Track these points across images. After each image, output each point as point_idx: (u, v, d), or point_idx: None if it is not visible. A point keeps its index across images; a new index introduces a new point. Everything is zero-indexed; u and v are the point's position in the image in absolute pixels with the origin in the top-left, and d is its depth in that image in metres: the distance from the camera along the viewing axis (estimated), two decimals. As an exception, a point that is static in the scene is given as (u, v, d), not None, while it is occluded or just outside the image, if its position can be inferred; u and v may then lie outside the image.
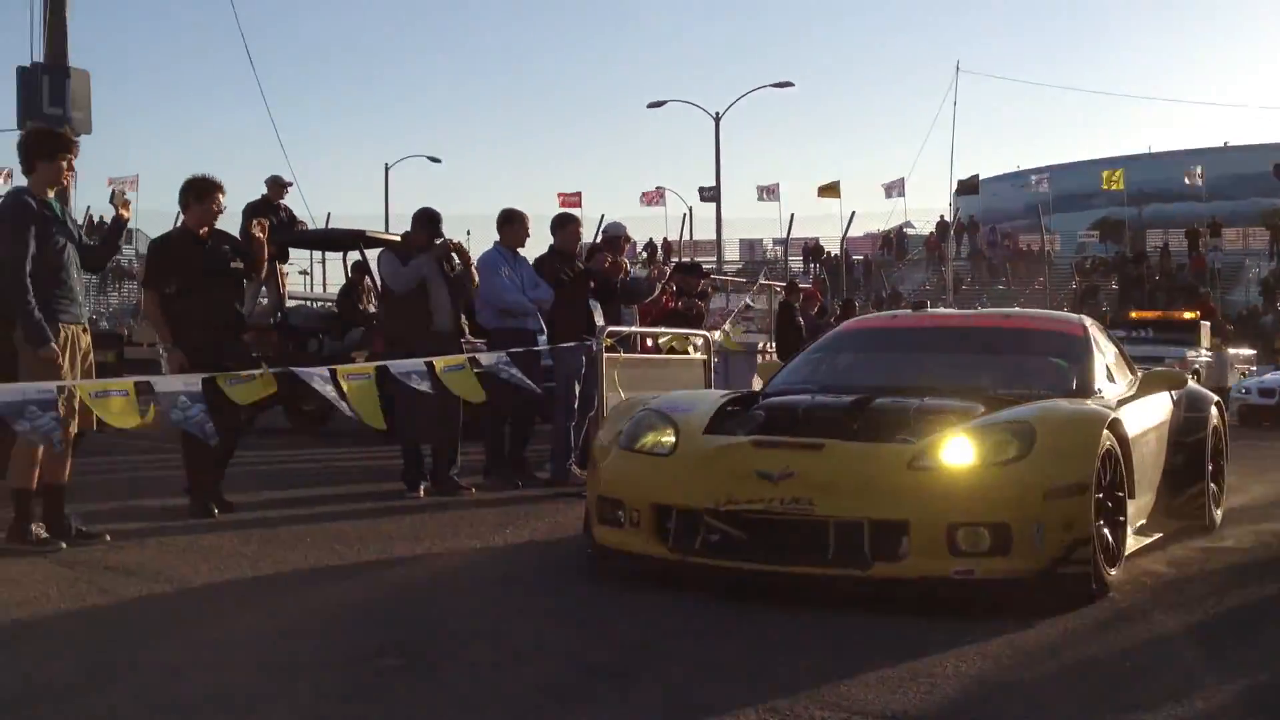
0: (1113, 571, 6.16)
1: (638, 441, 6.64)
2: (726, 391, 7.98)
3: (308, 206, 24.84)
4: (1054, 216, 55.21)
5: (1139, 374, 8.18)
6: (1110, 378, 7.69)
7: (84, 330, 7.44)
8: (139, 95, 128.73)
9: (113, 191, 7.96)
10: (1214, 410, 8.83)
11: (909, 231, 57.55)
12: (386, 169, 52.38)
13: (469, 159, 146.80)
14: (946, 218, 54.69)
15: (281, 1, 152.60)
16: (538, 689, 4.49)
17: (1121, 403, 7.25)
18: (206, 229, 8.55)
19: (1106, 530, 6.10)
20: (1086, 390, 7.27)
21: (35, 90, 14.47)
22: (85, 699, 4.31)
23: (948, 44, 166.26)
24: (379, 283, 16.66)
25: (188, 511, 8.35)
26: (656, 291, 12.80)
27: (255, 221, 8.94)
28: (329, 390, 7.69)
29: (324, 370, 7.84)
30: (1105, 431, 6.16)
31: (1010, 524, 5.62)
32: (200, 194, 8.46)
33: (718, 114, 45.57)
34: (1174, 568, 6.99)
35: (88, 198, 50.04)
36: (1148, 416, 7.69)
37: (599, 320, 10.81)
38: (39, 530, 7.12)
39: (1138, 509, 7.04)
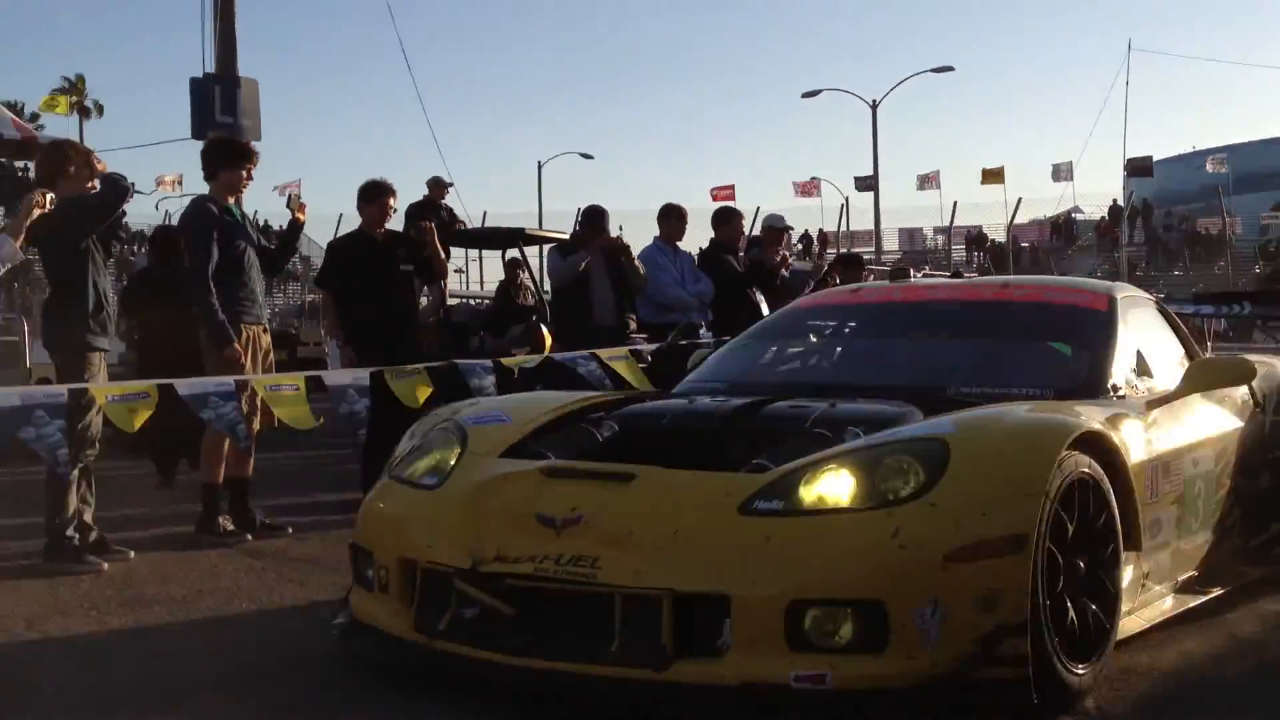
0: (1080, 670, 4.01)
1: (409, 467, 4.92)
2: (602, 394, 6.06)
3: (464, 206, 25.24)
4: (1233, 198, 53.28)
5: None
6: (1147, 371, 5.48)
7: (264, 330, 7.82)
8: (301, 101, 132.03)
9: (289, 196, 8.28)
10: None
11: (1078, 217, 56.03)
12: (539, 166, 52.87)
13: (621, 155, 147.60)
14: (1119, 201, 53.13)
15: (437, 5, 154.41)
16: None
17: (1152, 405, 5.16)
18: (381, 231, 8.89)
19: (1074, 607, 4.06)
20: (1096, 387, 5.17)
21: (208, 100, 14.98)
22: (285, 682, 4.58)
23: (1117, 22, 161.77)
24: (536, 279, 17.17)
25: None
26: (814, 285, 12.82)
27: (424, 225, 9.24)
28: (489, 382, 7.76)
29: (486, 362, 8.00)
30: (1070, 452, 4.10)
31: (887, 602, 3.69)
32: (373, 196, 8.83)
33: (874, 101, 44.90)
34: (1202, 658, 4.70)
35: (255, 203, 51.60)
36: (1195, 425, 5.39)
37: (765, 312, 10.86)
38: (226, 523, 7.50)
39: (1159, 564, 4.88)
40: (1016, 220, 43.89)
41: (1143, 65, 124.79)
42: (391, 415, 7.06)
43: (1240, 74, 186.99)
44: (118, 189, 6.92)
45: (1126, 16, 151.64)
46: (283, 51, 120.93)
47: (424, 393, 7.45)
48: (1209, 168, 53.47)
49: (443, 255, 9.16)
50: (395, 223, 9.45)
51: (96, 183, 6.94)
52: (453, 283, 22.58)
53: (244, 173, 7.77)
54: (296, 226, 8.22)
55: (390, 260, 8.85)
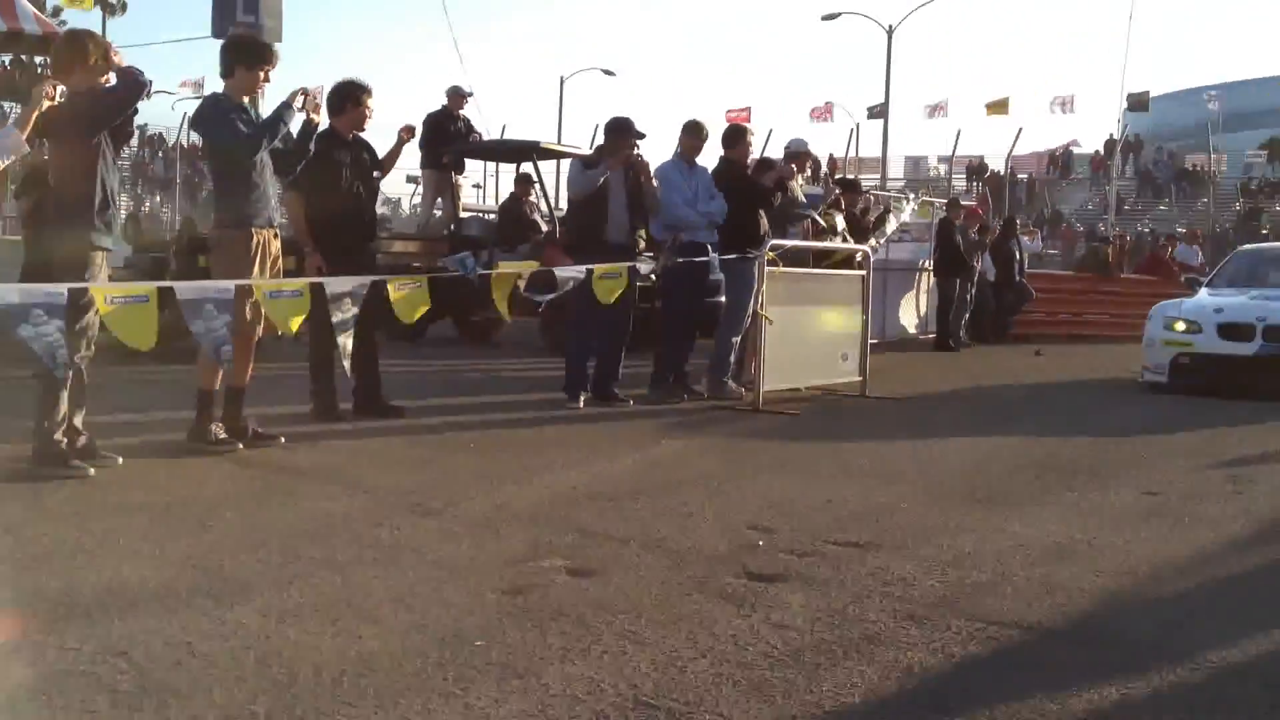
0: None
1: None
2: None
3: (484, 118, 25.01)
4: (1224, 135, 53.11)
5: None
6: None
7: (275, 235, 7.64)
8: (324, 6, 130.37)
9: (304, 95, 7.98)
10: None
11: (1076, 150, 56.03)
12: (561, 82, 52.44)
13: (642, 73, 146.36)
14: (1115, 136, 53.04)
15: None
16: (699, 591, 4.59)
17: None
18: (352, 135, 8.70)
19: None
20: None
21: (230, -1, 14.75)
22: (273, 593, 4.51)
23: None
24: (549, 196, 17.00)
25: (311, 414, 8.59)
26: (818, 210, 12.68)
27: (405, 128, 9.02)
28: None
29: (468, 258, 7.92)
30: None
31: None
32: (356, 99, 8.61)
33: (891, 27, 44.54)
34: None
35: (276, 103, 51.01)
36: None
37: (765, 228, 10.80)
38: (218, 431, 7.42)
39: None
40: (1018, 151, 43.65)
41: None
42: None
43: (1244, 9, 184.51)
44: (136, 84, 6.71)
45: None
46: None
47: (422, 308, 7.42)
48: (1205, 105, 53.35)
49: (393, 161, 8.97)
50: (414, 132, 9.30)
51: (113, 77, 6.75)
52: (469, 196, 22.45)
53: (261, 74, 7.59)
54: (311, 127, 7.99)
55: (360, 165, 8.67)
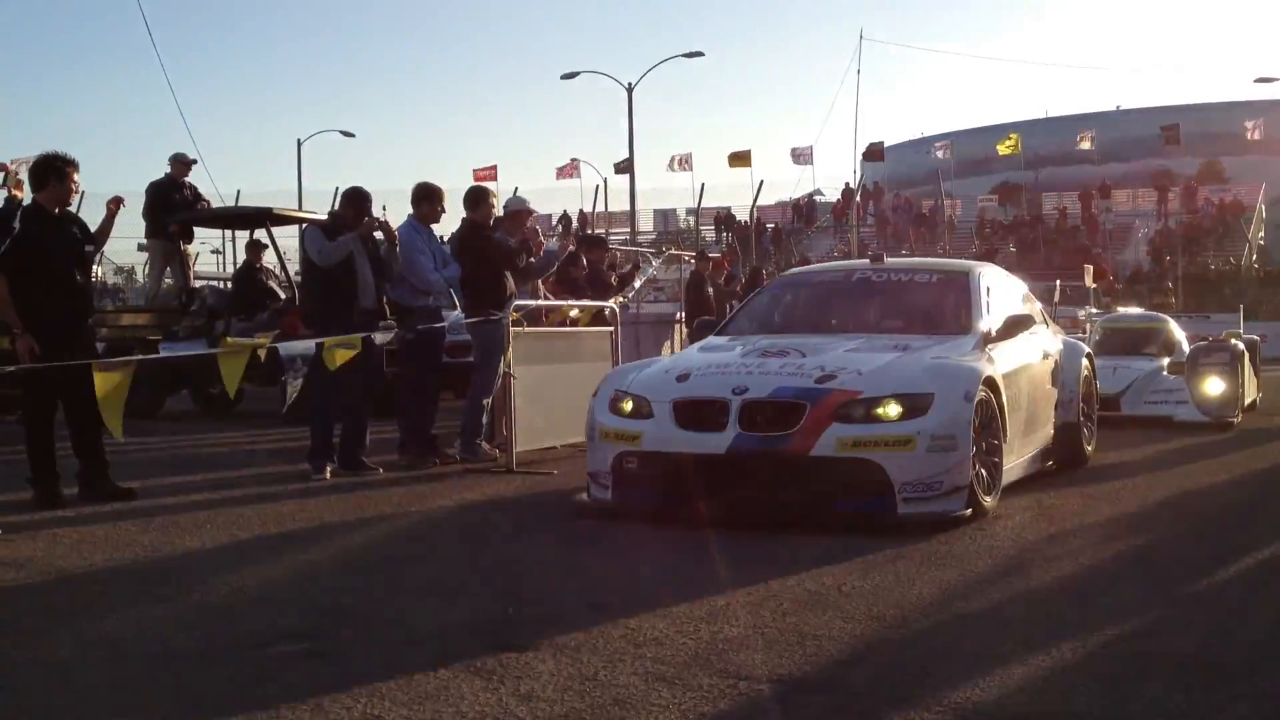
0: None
1: None
2: None
3: (214, 184, 24.26)
4: (955, 182, 55.93)
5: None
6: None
7: None
8: (32, 69, 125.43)
9: (4, 173, 7.52)
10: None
11: (819, 199, 57.98)
12: (299, 145, 51.58)
13: (383, 133, 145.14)
14: (852, 185, 55.11)
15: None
16: (440, 666, 4.41)
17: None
18: (59, 210, 8.31)
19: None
20: None
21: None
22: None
23: (852, 12, 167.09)
24: (282, 262, 16.59)
25: (33, 502, 8.10)
26: (554, 268, 12.60)
27: (113, 200, 8.67)
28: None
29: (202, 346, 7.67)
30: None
31: None
32: (60, 173, 8.19)
33: (630, 85, 45.54)
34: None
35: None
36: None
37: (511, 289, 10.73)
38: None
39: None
40: (763, 202, 44.95)
41: (875, 54, 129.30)
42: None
43: (965, 64, 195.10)
44: None
45: (859, 7, 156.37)
46: (7, 14, 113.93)
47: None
48: (936, 153, 56.16)
49: (105, 234, 8.66)
50: (136, 201, 8.92)
51: None
52: (206, 264, 21.79)
53: None
54: (13, 204, 7.58)
55: (69, 241, 8.26)
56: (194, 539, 7.07)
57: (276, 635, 4.92)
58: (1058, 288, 22.74)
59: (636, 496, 7.59)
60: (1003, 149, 55.20)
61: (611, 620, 5.08)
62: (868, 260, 10.10)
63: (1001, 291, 9.58)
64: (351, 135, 53.38)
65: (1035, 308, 10.32)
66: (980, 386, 7.52)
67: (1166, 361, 15.00)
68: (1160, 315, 18.10)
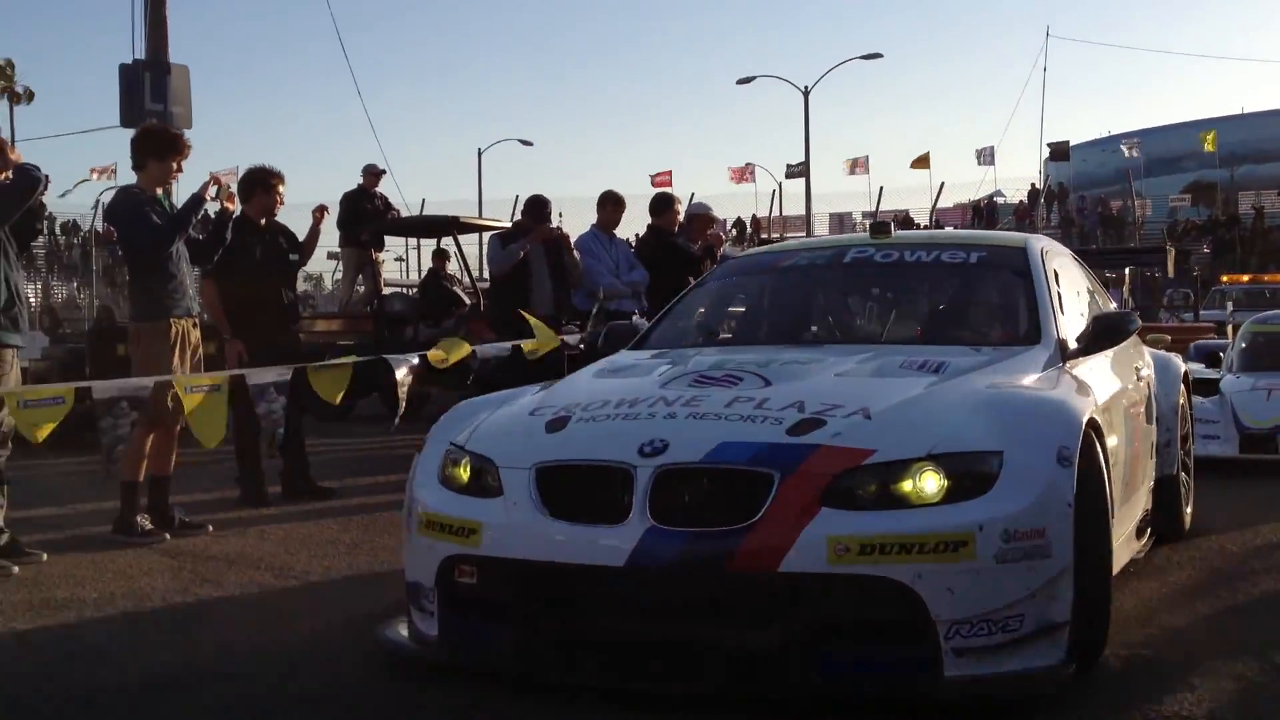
0: None
1: None
2: None
3: (402, 194, 25.04)
4: (1145, 181, 54.30)
5: None
6: None
7: (194, 325, 7.62)
8: (236, 88, 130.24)
9: (216, 185, 7.91)
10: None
11: (999, 200, 56.88)
12: (479, 154, 52.49)
13: (561, 141, 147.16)
14: (1037, 185, 54.01)
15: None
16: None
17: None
18: (265, 220, 8.69)
19: None
20: None
21: (137, 87, 14.75)
22: (202, 691, 4.43)
23: (1037, 9, 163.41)
24: (471, 269, 16.97)
25: (239, 500, 8.49)
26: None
27: (318, 208, 9.05)
28: (404, 374, 7.76)
29: (412, 357, 7.93)
30: None
31: None
32: (266, 185, 8.61)
33: (806, 88, 45.41)
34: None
35: (189, 190, 50.84)
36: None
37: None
38: (144, 522, 7.30)
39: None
40: (941, 204, 44.36)
41: (1061, 51, 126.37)
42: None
43: (1155, 60, 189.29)
44: (29, 179, 6.70)
45: (1046, 4, 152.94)
46: (215, 36, 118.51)
47: (342, 388, 7.36)
48: (1124, 152, 54.73)
49: (313, 243, 9.03)
50: (331, 211, 9.31)
51: (10, 174, 6.70)
52: (390, 271, 22.46)
53: (173, 164, 7.59)
54: (226, 216, 7.95)
55: (274, 250, 8.67)
56: (392, 537, 7.34)
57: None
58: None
59: (475, 637, 4.39)
60: (1205, 142, 53.27)
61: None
62: (866, 233, 6.58)
63: (1071, 279, 6.24)
64: (530, 144, 54.05)
65: (1109, 303, 7.14)
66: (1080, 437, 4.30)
67: None
68: None
